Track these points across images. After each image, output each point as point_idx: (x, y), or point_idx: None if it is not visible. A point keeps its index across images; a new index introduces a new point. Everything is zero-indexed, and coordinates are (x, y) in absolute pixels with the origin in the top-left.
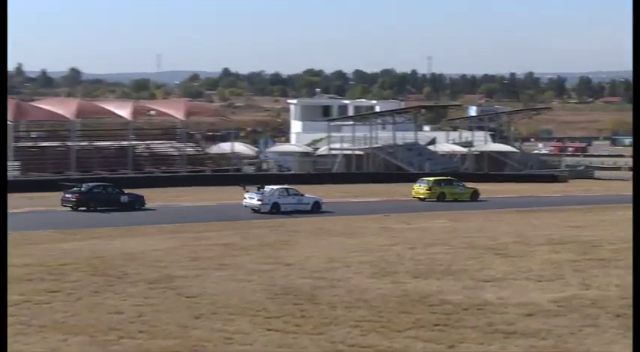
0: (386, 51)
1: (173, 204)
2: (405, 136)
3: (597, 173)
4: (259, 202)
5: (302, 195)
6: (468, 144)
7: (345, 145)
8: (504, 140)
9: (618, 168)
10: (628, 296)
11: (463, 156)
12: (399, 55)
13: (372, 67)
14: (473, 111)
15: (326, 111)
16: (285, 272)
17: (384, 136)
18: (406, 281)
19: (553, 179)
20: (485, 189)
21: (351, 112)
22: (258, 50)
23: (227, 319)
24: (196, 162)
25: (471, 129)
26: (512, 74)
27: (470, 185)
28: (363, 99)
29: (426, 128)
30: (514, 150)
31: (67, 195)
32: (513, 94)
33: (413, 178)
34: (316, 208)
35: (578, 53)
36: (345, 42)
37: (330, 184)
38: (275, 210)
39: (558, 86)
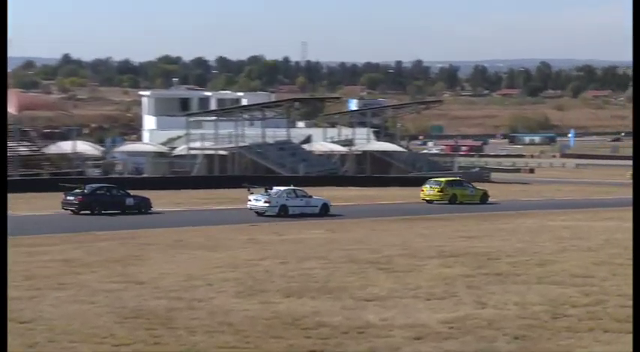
0: (253, 35)
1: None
2: (276, 134)
3: (494, 175)
4: (266, 204)
5: (310, 197)
6: (349, 142)
7: (207, 144)
8: (389, 138)
9: (517, 170)
10: (527, 315)
11: (343, 156)
12: (269, 40)
13: (237, 54)
14: (354, 104)
15: (184, 104)
16: (136, 292)
17: (252, 134)
18: (277, 301)
19: None
20: (370, 194)
21: (213, 106)
22: (104, 33)
23: (67, 347)
24: (31, 164)
25: (351, 125)
26: (399, 62)
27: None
28: (227, 91)
29: (301, 124)
30: (400, 149)
31: (68, 198)
32: (399, 85)
33: (285, 181)
34: (324, 211)
35: (473, 39)
36: (207, 25)
37: (190, 189)
38: (283, 212)
39: (450, 76)
